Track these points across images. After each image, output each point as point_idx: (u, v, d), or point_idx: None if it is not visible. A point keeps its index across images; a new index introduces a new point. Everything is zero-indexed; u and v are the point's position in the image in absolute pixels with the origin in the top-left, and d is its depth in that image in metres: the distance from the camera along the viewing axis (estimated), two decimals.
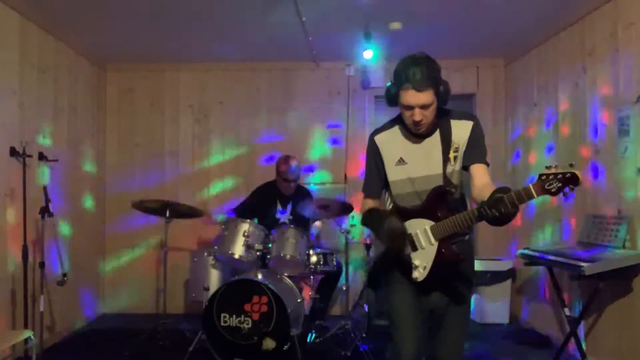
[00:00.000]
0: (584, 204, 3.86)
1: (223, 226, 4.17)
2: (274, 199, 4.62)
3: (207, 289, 4.03)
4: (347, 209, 4.25)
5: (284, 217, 4.60)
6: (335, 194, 5.34)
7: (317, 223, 4.66)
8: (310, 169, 5.47)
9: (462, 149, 2.24)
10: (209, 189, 5.52)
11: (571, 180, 1.76)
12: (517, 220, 4.78)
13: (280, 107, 5.54)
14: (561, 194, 1.79)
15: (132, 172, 5.53)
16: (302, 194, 4.67)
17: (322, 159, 5.51)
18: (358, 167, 5.36)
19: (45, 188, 3.75)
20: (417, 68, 2.09)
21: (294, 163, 4.52)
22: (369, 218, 2.37)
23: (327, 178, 5.48)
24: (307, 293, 4.17)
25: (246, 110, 5.55)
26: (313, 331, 4.32)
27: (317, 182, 5.44)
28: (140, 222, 5.23)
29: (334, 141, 5.51)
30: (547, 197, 3.80)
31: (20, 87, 3.93)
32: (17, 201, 3.76)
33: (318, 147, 5.52)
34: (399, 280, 2.29)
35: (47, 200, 3.72)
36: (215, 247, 4.11)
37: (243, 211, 4.54)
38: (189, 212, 4.40)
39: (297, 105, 5.53)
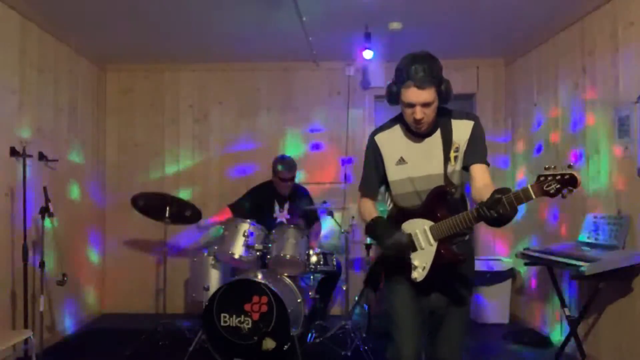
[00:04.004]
0: (584, 204, 3.86)
1: (223, 226, 4.17)
2: (271, 199, 4.62)
3: (207, 289, 4.03)
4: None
5: (281, 217, 4.61)
6: (334, 194, 5.33)
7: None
8: (308, 168, 5.47)
9: (463, 148, 2.23)
10: (208, 188, 5.52)
11: (570, 182, 1.76)
12: (517, 220, 4.77)
13: (280, 107, 5.54)
14: (559, 195, 1.78)
15: (132, 172, 5.53)
16: (300, 193, 4.67)
17: (321, 158, 5.51)
18: (358, 167, 5.36)
19: (45, 188, 3.75)
20: (419, 66, 2.08)
21: (290, 162, 4.52)
22: (372, 228, 2.34)
23: (326, 178, 5.47)
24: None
25: (246, 110, 5.55)
26: (313, 331, 4.31)
27: (316, 182, 5.43)
28: (140, 221, 5.21)
29: (333, 141, 5.51)
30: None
31: (20, 87, 3.93)
32: (17, 201, 3.76)
33: (317, 146, 5.52)
34: (399, 281, 2.28)
35: (47, 200, 3.72)
36: (215, 247, 4.11)
37: (238, 208, 4.53)
38: (189, 216, 4.42)
39: (297, 105, 5.53)
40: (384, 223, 2.32)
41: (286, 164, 4.48)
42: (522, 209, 1.87)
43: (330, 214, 4.45)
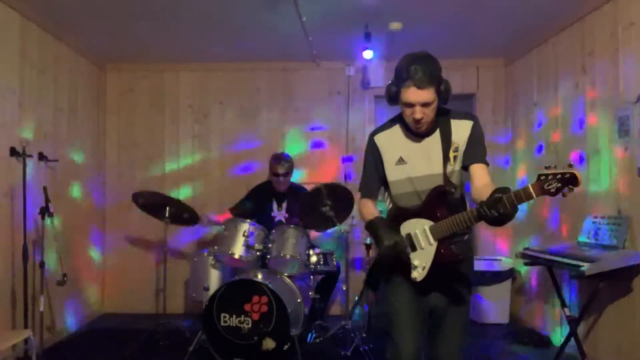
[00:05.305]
0: (584, 204, 3.86)
1: (223, 226, 4.18)
2: (269, 198, 4.65)
3: (207, 289, 4.02)
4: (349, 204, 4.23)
5: (280, 216, 4.62)
6: None
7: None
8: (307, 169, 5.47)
9: (462, 148, 2.24)
10: (208, 189, 5.51)
11: (570, 181, 1.76)
12: (517, 220, 4.77)
13: (280, 107, 5.54)
14: (560, 195, 1.79)
15: (132, 172, 5.53)
16: (298, 192, 4.68)
17: (321, 157, 5.51)
18: (358, 167, 5.36)
19: (45, 188, 3.75)
20: (418, 66, 2.09)
21: (284, 158, 4.56)
22: (372, 227, 2.35)
23: (326, 177, 5.47)
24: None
25: (246, 110, 5.55)
26: (313, 331, 4.31)
27: (315, 182, 5.42)
28: (140, 221, 5.22)
29: (333, 140, 5.51)
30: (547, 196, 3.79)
31: (20, 87, 3.93)
32: (17, 201, 3.76)
33: (318, 144, 5.52)
34: (398, 280, 2.28)
35: (47, 200, 3.72)
36: (215, 247, 4.11)
37: (239, 210, 4.56)
38: (187, 218, 4.43)
39: (297, 105, 5.53)
40: (384, 223, 2.32)
41: (280, 160, 4.54)
42: (522, 208, 1.87)
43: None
